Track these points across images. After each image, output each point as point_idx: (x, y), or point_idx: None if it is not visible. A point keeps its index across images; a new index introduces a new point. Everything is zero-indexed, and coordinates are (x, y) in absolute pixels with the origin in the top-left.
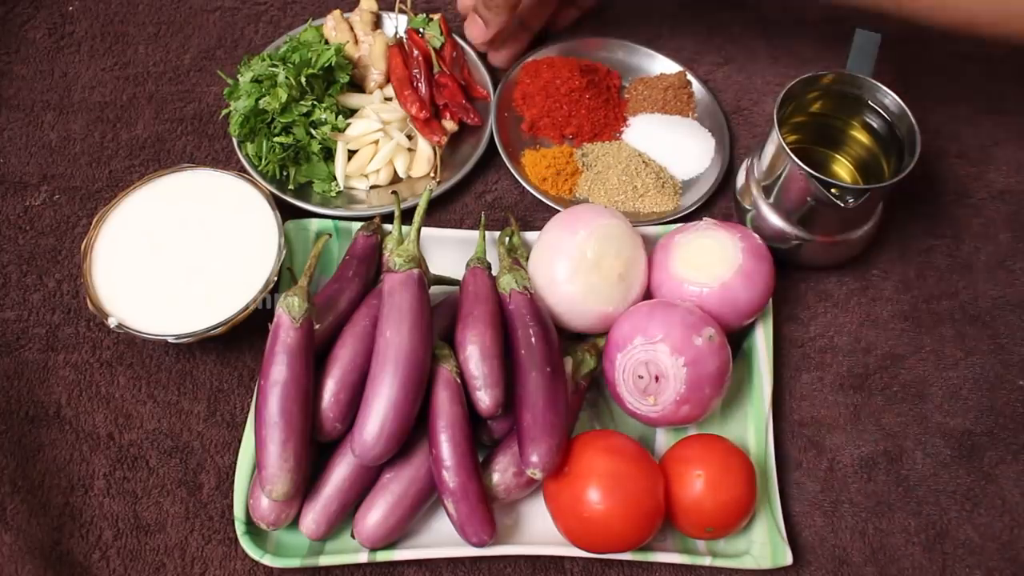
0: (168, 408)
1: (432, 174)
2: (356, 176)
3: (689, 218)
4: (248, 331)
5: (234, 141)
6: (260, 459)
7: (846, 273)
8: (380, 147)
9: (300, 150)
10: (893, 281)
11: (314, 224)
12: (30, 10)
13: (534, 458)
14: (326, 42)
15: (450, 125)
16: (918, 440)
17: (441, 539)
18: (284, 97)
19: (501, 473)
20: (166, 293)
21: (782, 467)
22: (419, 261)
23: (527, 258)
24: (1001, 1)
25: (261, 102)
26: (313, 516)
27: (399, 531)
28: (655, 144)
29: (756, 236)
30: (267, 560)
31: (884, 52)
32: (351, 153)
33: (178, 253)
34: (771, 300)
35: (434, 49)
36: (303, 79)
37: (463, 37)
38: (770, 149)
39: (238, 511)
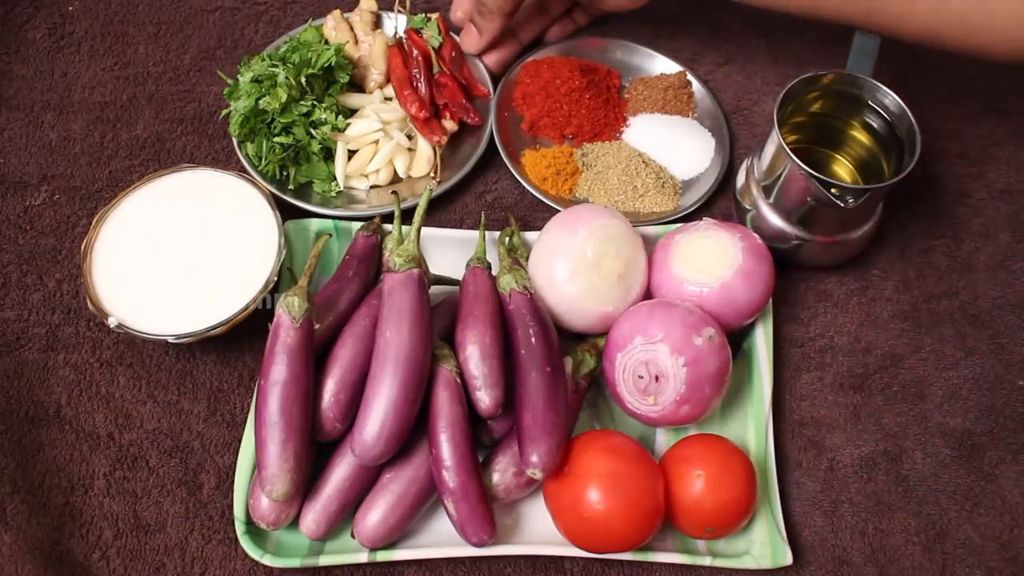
0: (168, 408)
1: (432, 174)
2: (356, 176)
3: (689, 218)
4: (248, 331)
5: (234, 141)
6: (260, 459)
7: (846, 273)
8: (380, 147)
9: (300, 150)
10: (893, 281)
11: (314, 224)
12: (30, 10)
13: (534, 458)
14: (326, 42)
15: (450, 125)
16: (918, 440)
17: (441, 539)
18: (284, 97)
19: (501, 473)
20: (166, 293)
21: (782, 467)
22: (419, 261)
23: (527, 258)
24: (959, 16)
25: (261, 102)
26: (313, 516)
27: (399, 531)
28: (655, 144)
29: (756, 236)
30: (267, 560)
31: (884, 52)
32: (351, 153)
33: (178, 253)
34: (771, 300)
35: (433, 49)
36: (303, 79)
37: None
38: (770, 149)
39: (238, 511)
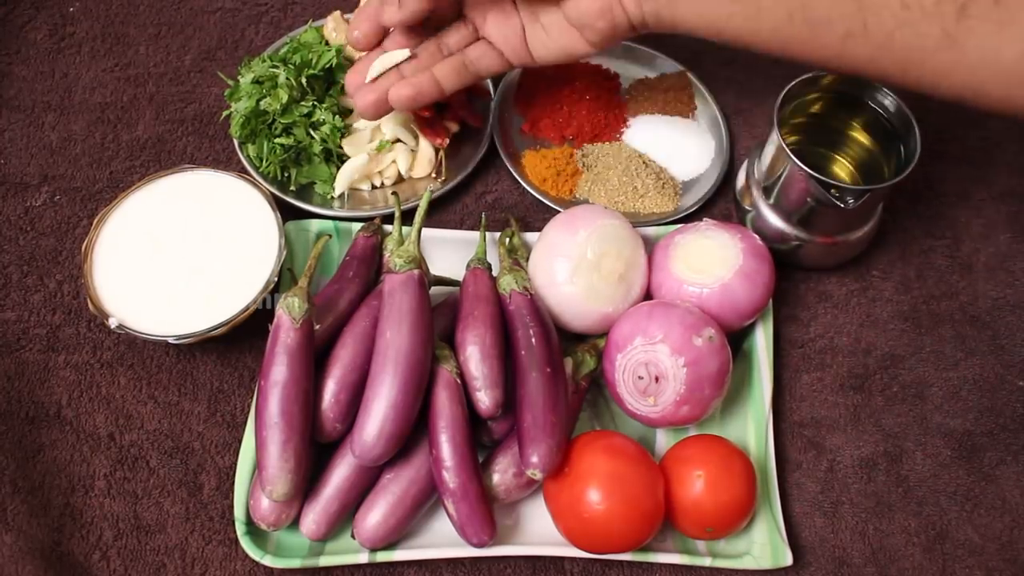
0: (168, 409)
1: (434, 175)
2: (362, 181)
3: (689, 219)
4: (248, 332)
5: (235, 142)
6: (260, 460)
7: (846, 273)
8: (394, 153)
9: (301, 151)
10: (893, 282)
11: (314, 225)
12: (31, 11)
13: (534, 459)
14: (326, 43)
15: (451, 126)
16: (918, 441)
17: (441, 539)
18: (285, 98)
19: (501, 474)
20: (166, 294)
21: (782, 468)
22: (419, 262)
23: (527, 259)
24: (1011, 70)
25: (262, 103)
26: (313, 517)
27: (399, 532)
28: (655, 145)
29: (756, 237)
30: (267, 561)
31: None
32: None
33: (179, 254)
34: (771, 301)
35: None
36: (304, 80)
37: None
38: (770, 150)
39: (238, 512)
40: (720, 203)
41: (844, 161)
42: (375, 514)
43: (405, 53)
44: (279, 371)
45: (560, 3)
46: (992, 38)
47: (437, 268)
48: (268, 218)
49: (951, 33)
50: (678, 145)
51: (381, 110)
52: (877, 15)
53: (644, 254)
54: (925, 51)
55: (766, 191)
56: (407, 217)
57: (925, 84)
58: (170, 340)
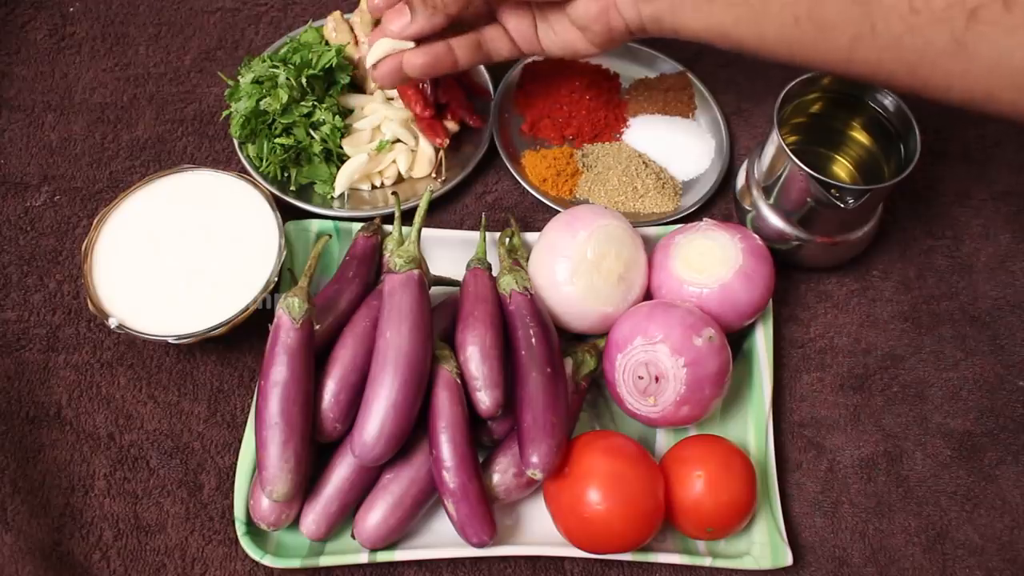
0: (169, 409)
1: (434, 175)
2: (363, 181)
3: (689, 219)
4: (248, 332)
5: (235, 142)
6: (260, 460)
7: (846, 273)
8: (389, 154)
9: (301, 151)
10: (893, 282)
11: (314, 225)
12: (31, 11)
13: (534, 459)
14: (326, 43)
15: (451, 125)
16: (918, 441)
17: (441, 539)
18: (285, 98)
19: (501, 474)
20: (166, 294)
21: (782, 468)
22: (419, 262)
23: (527, 259)
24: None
25: (262, 103)
26: (313, 517)
27: (399, 532)
28: (655, 145)
29: (756, 237)
30: (267, 561)
31: None
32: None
33: (179, 254)
34: (771, 301)
35: None
36: (304, 80)
37: None
38: (770, 150)
39: (238, 512)
40: (720, 203)
41: (844, 161)
42: (375, 514)
43: (409, 46)
44: (279, 371)
45: (564, 5)
46: (1002, 43)
47: (437, 268)
48: (268, 218)
49: (960, 38)
50: (678, 145)
51: (397, 78)
52: (885, 19)
53: (644, 254)
54: (934, 56)
55: (766, 191)
56: (407, 217)
57: (934, 89)
58: (170, 340)
